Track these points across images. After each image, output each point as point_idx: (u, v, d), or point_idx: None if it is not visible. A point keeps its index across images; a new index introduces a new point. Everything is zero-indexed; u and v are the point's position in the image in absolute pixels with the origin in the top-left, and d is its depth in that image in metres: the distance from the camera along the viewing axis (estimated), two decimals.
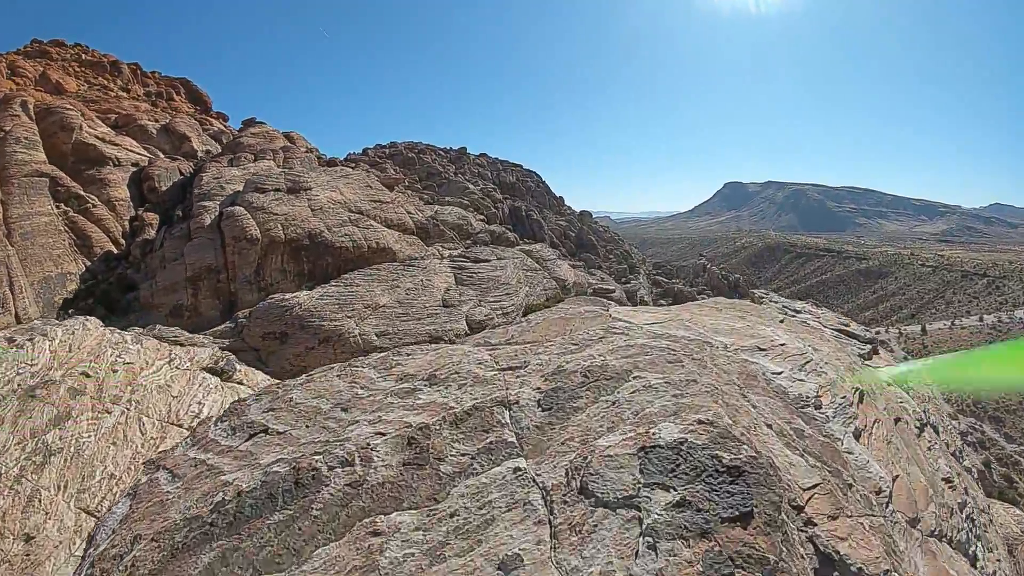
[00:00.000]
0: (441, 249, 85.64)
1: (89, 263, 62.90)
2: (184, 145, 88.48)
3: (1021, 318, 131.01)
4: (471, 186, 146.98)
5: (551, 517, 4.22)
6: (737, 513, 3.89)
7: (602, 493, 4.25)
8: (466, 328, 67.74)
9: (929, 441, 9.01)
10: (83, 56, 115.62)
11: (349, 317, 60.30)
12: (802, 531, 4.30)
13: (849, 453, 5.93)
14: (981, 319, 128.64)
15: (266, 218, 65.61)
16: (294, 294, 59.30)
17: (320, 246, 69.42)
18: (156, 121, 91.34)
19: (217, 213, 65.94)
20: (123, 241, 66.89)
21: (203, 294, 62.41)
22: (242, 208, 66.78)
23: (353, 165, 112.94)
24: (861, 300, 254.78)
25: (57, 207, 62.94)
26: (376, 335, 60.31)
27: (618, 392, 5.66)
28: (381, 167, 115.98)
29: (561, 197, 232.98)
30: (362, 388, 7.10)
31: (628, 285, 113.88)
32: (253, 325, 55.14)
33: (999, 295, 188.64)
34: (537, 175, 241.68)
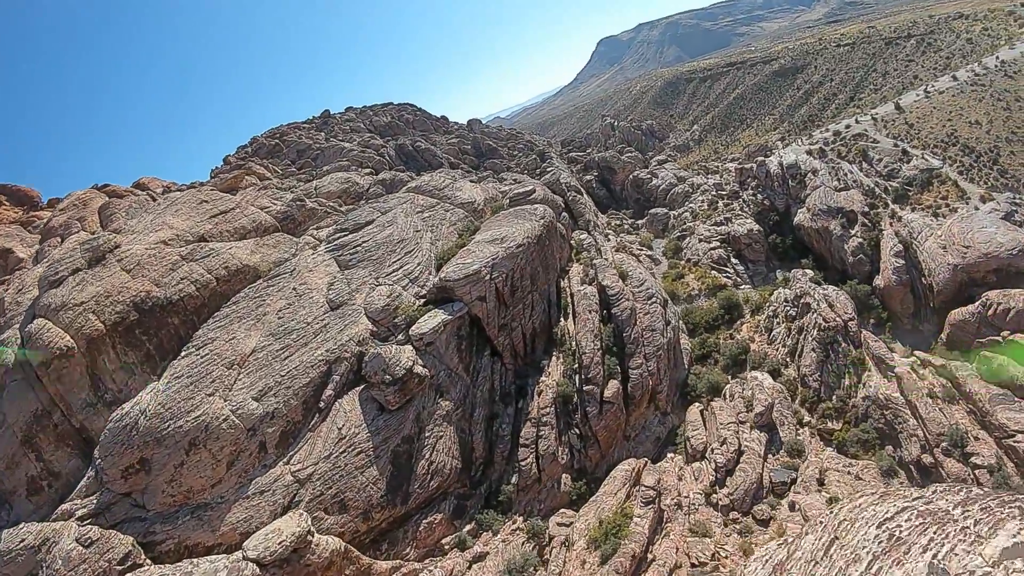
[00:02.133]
0: (316, 233, 78.21)
1: None
2: (10, 259, 79.38)
3: (1000, 62, 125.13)
4: (346, 144, 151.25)
5: None
6: None
7: None
8: (369, 326, 58.50)
9: None
10: None
11: (212, 394, 50.57)
12: None
13: None
14: (954, 77, 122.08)
15: (73, 316, 54.22)
16: (135, 400, 48.98)
17: (155, 311, 58.61)
18: None
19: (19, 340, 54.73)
20: None
21: (48, 451, 52.63)
22: (42, 319, 55.59)
23: (187, 186, 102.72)
24: (789, 100, 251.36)
25: None
26: (255, 399, 50.46)
27: None
28: (247, 167, 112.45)
29: (444, 116, 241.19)
30: None
31: (547, 176, 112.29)
32: (108, 467, 45.19)
33: (936, 52, 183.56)
34: (412, 105, 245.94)
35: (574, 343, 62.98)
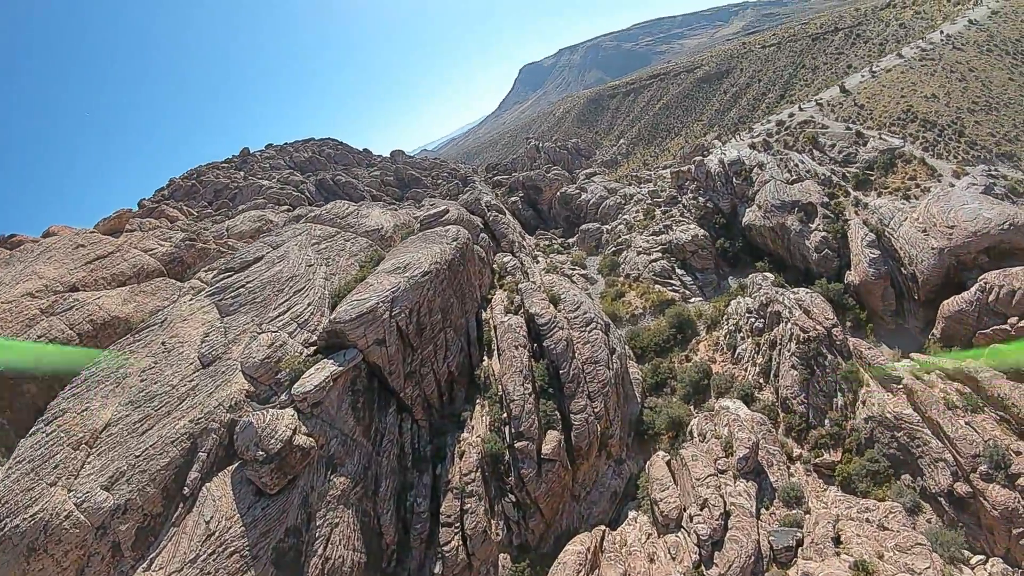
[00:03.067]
0: (204, 276, 70.76)
1: None
2: None
3: (946, 36, 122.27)
4: (265, 182, 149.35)
5: None
6: None
7: None
8: (245, 386, 46.54)
9: None
10: None
11: (54, 483, 37.42)
12: None
13: None
14: (900, 55, 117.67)
15: None
16: None
17: (6, 377, 50.73)
18: None
19: None
20: None
21: None
22: None
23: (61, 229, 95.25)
24: (717, 105, 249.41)
25: None
26: (105, 488, 37.90)
27: None
28: (158, 211, 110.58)
29: (366, 149, 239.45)
30: None
31: (464, 196, 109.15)
32: None
33: (865, 43, 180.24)
34: (333, 140, 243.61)
35: (500, 387, 52.55)
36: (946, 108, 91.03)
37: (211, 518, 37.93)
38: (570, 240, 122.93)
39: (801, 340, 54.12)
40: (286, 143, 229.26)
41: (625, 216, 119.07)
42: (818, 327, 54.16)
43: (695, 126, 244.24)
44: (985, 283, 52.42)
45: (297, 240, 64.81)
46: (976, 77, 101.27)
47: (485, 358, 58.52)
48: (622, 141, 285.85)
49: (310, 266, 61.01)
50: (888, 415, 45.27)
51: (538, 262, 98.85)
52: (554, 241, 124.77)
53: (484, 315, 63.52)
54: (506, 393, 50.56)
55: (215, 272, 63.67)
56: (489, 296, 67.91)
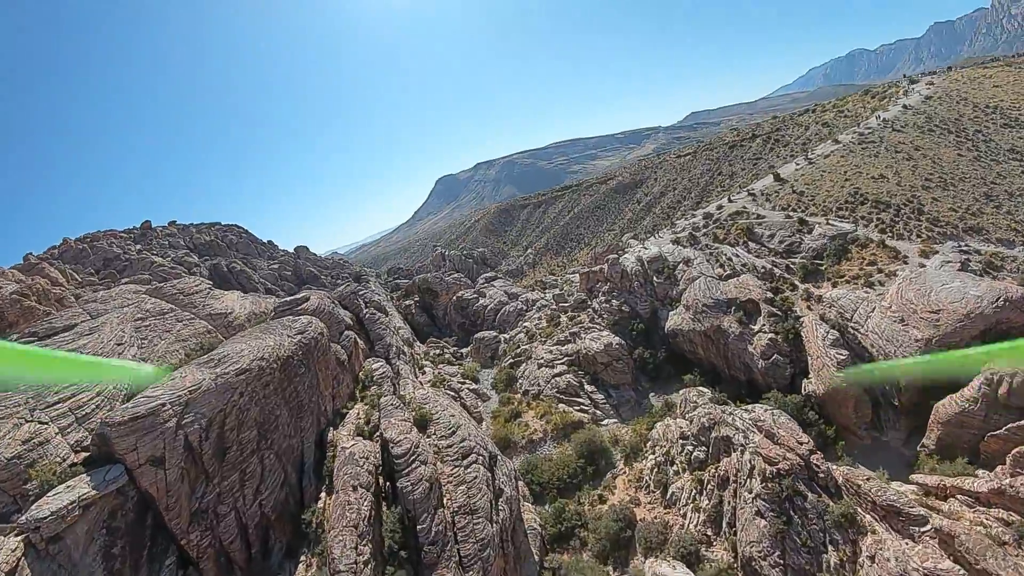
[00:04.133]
0: (11, 340, 55.67)
1: None
2: None
3: (882, 121, 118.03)
4: (158, 259, 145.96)
5: None
6: None
7: None
8: None
9: None
10: None
11: None
12: None
13: None
14: (836, 141, 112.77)
15: None
16: None
17: None
18: None
19: None
20: None
21: None
22: None
23: None
24: (630, 214, 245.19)
25: None
26: None
27: None
28: (38, 269, 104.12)
29: (271, 241, 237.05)
30: None
31: (344, 287, 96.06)
32: None
33: (785, 146, 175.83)
34: (239, 227, 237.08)
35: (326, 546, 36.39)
36: (898, 188, 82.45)
37: None
38: (464, 350, 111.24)
39: (768, 476, 38.61)
40: (191, 223, 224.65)
41: (526, 324, 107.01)
42: (790, 456, 39.01)
43: (606, 235, 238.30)
44: (992, 374, 41.98)
45: (121, 312, 54.31)
46: (924, 155, 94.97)
47: (323, 495, 43.57)
48: (529, 251, 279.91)
49: (120, 345, 49.57)
50: (916, 574, 29.74)
51: (424, 372, 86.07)
52: (446, 350, 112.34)
53: (330, 435, 49.46)
54: (331, 559, 34.21)
55: (16, 336, 50.99)
56: (344, 410, 55.10)
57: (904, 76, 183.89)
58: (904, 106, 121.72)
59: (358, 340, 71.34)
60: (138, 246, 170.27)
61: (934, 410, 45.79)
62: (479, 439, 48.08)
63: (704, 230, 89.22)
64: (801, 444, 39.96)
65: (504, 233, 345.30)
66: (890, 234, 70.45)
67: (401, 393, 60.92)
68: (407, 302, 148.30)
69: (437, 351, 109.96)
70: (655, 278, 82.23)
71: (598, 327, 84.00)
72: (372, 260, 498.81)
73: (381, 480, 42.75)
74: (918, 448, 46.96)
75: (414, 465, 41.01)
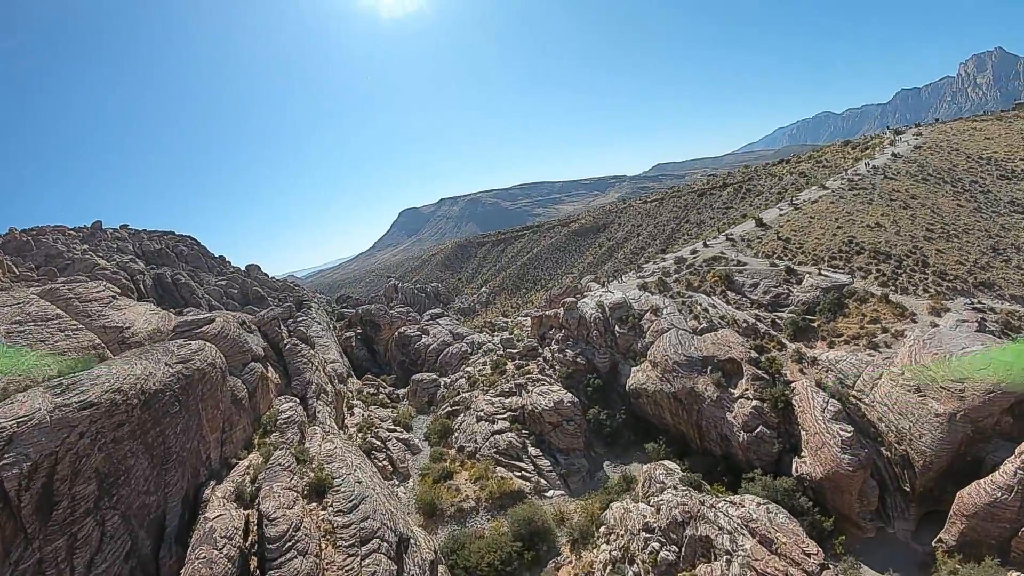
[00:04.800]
0: None
1: None
2: None
3: (872, 168, 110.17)
4: (101, 261, 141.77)
5: None
6: None
7: None
8: None
9: None
10: None
11: None
12: None
13: None
14: (823, 187, 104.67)
15: None
16: None
17: None
18: None
19: None
20: None
21: None
22: None
23: None
24: (591, 258, 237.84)
25: None
26: None
27: None
28: None
29: (222, 256, 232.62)
30: None
31: (265, 312, 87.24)
32: None
33: (757, 195, 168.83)
34: (192, 238, 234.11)
35: None
36: (898, 237, 73.81)
37: None
38: (402, 391, 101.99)
39: None
40: (144, 229, 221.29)
41: (469, 368, 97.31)
42: (795, 573, 29.19)
43: (564, 278, 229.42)
44: None
45: (3, 312, 46.11)
46: (922, 204, 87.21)
47: None
48: (483, 289, 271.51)
49: None
50: None
51: (352, 413, 78.92)
52: (382, 389, 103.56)
53: (206, 493, 39.77)
54: None
55: None
56: (235, 461, 46.02)
57: (888, 128, 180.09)
58: (894, 154, 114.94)
59: (268, 374, 61.20)
60: (85, 246, 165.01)
61: (957, 499, 38.32)
62: (387, 517, 37.67)
63: (676, 276, 79.45)
64: (809, 556, 30.11)
65: (460, 269, 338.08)
66: (893, 288, 61.31)
67: (306, 445, 50.06)
68: (348, 333, 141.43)
69: (372, 390, 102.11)
70: (617, 328, 72.92)
71: (548, 380, 74.27)
72: (327, 286, 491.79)
73: (253, 565, 32.99)
74: (934, 543, 39.37)
75: (288, 555, 31.75)
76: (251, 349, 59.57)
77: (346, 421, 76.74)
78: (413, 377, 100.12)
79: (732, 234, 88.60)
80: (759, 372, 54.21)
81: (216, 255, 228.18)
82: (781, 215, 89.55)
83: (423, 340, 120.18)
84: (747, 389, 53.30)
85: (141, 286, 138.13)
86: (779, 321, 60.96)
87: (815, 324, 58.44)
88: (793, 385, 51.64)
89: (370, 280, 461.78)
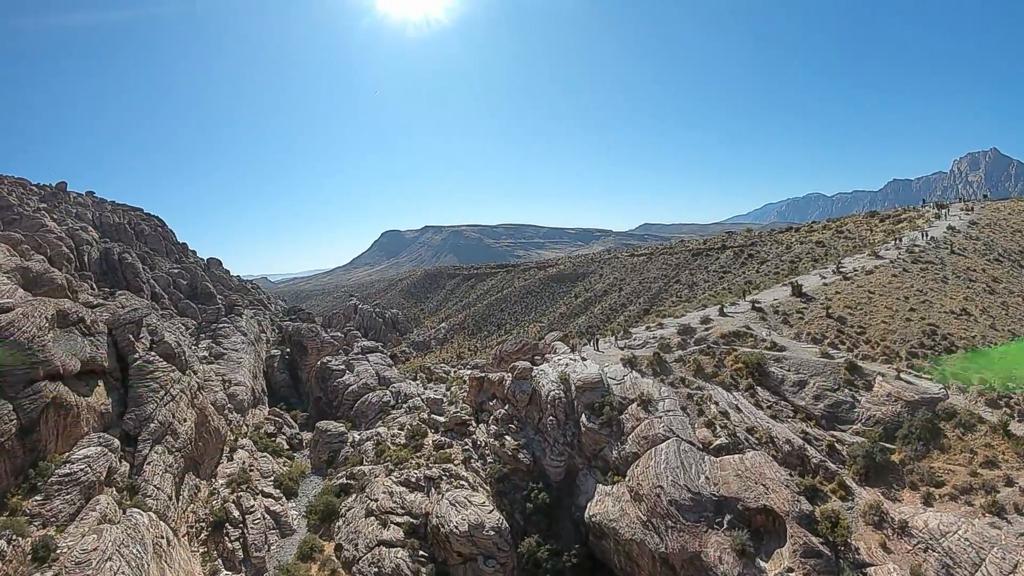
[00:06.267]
0: None
1: None
2: None
3: (930, 239, 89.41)
4: (50, 223, 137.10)
5: None
6: None
7: None
8: None
9: None
10: None
11: None
12: None
13: None
14: (876, 255, 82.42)
15: None
16: None
17: None
18: None
19: None
20: None
21: None
22: None
23: None
24: (563, 308, 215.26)
25: None
26: None
27: None
28: None
29: (184, 244, 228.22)
30: None
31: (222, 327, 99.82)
32: None
33: (761, 263, 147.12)
34: (158, 219, 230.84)
35: None
36: (995, 332, 52.43)
37: None
38: (308, 434, 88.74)
39: None
40: (113, 201, 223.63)
41: (384, 428, 77.68)
42: None
43: (530, 327, 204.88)
44: None
45: None
46: (1008, 290, 67.29)
47: None
48: (443, 325, 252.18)
49: None
50: None
51: (232, 460, 67.96)
52: (285, 430, 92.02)
53: None
54: None
55: None
56: None
57: (928, 201, 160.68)
58: (950, 227, 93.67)
59: (76, 400, 45.15)
60: (43, 204, 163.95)
61: None
62: None
63: (680, 352, 55.05)
64: None
65: (426, 299, 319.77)
66: (1007, 409, 38.94)
67: (71, 528, 35.84)
68: (275, 351, 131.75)
69: (273, 428, 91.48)
70: (585, 418, 49.03)
71: (470, 481, 53.35)
72: (294, 295, 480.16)
73: None
74: None
75: None
76: (54, 363, 44.02)
77: (219, 468, 64.32)
78: (318, 424, 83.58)
79: (760, 303, 63.67)
80: (812, 541, 31.76)
81: (180, 242, 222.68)
82: (827, 285, 65.56)
83: (345, 377, 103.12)
84: (792, 569, 30.96)
85: (85, 258, 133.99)
86: (840, 447, 38.44)
87: (897, 459, 36.12)
88: (871, 573, 29.74)
89: (338, 296, 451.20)
